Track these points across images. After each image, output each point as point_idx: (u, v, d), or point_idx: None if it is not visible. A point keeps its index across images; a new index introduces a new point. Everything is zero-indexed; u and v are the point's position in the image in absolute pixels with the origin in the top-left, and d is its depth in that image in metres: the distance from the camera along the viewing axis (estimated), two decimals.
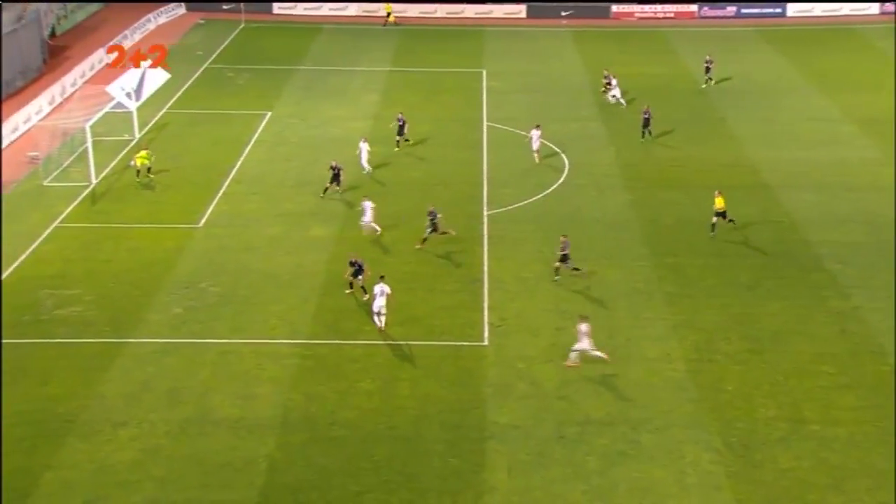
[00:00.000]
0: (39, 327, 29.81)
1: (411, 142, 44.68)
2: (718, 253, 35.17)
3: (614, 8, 72.90)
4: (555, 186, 41.18)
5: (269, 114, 49.89)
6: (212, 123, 48.69)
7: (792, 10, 72.26)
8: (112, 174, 41.87)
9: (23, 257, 34.23)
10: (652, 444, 25.02)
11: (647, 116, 45.83)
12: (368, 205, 35.33)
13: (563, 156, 44.45)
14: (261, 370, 27.84)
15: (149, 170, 41.02)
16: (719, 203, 35.84)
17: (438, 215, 34.50)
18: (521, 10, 72.64)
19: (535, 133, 42.92)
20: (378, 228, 35.17)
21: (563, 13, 71.85)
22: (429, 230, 34.50)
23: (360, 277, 31.22)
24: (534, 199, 39.85)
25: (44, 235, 35.98)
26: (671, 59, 60.17)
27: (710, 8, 72.62)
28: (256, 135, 46.97)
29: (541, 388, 27.22)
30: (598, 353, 27.82)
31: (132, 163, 41.28)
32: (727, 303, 31.80)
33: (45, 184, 40.55)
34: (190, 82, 55.07)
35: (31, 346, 28.83)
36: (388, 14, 70.02)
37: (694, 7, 72.88)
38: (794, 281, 33.10)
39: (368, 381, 27.37)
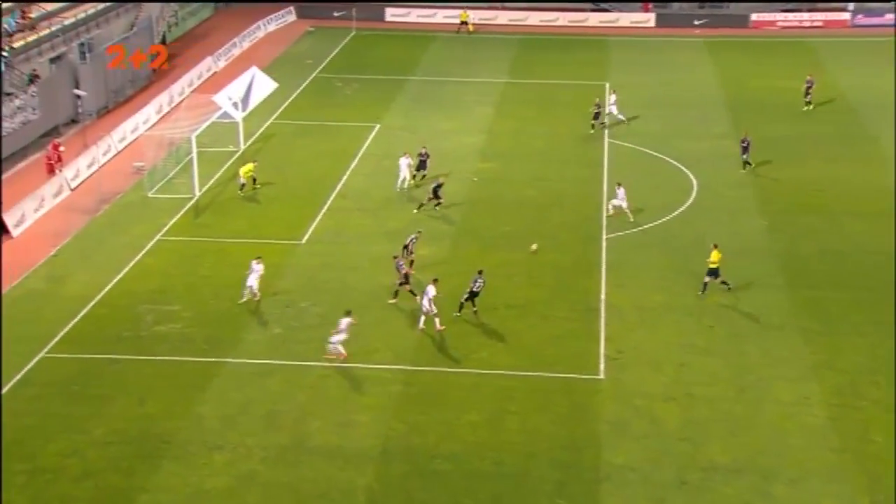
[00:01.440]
0: (139, 343, 30.96)
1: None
2: (865, 287, 33.90)
3: (754, 16, 71.40)
4: (682, 209, 40.49)
5: (378, 126, 50.74)
6: (318, 135, 49.84)
7: None
8: (216, 186, 43.28)
9: (125, 270, 35.66)
10: (786, 497, 24.18)
11: (745, 145, 44.06)
12: (258, 267, 32.74)
13: (692, 176, 43.71)
14: (361, 396, 28.20)
15: (254, 180, 42.29)
16: (715, 258, 32.86)
17: (415, 238, 34.71)
18: (649, 19, 71.97)
19: (620, 192, 39.04)
20: (257, 294, 32.55)
21: (697, 22, 70.83)
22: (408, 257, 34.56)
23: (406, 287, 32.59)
24: (658, 222, 39.25)
25: (146, 248, 37.43)
26: (817, 73, 58.36)
27: (866, 15, 70.23)
28: (364, 148, 47.82)
29: (661, 428, 26.71)
30: (342, 350, 29.18)
31: (240, 179, 42.56)
32: (875, 342, 30.58)
33: (149, 195, 42.23)
34: (298, 92, 56.54)
35: (131, 362, 29.95)
36: (464, 21, 70.12)
37: (846, 15, 70.62)
38: None
39: (474, 413, 27.37)
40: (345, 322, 29.66)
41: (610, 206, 39.65)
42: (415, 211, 39.69)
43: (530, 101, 54.34)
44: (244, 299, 32.84)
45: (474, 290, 31.83)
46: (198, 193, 42.21)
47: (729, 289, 33.18)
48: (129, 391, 28.46)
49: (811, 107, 52.16)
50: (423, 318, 31.16)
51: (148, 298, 33.58)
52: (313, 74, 60.25)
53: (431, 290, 30.89)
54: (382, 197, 41.94)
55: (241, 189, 42.26)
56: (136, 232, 38.84)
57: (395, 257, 33.61)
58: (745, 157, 44.06)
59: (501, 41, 68.21)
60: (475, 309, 32.11)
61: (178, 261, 36.44)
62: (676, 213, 40.15)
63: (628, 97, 54.92)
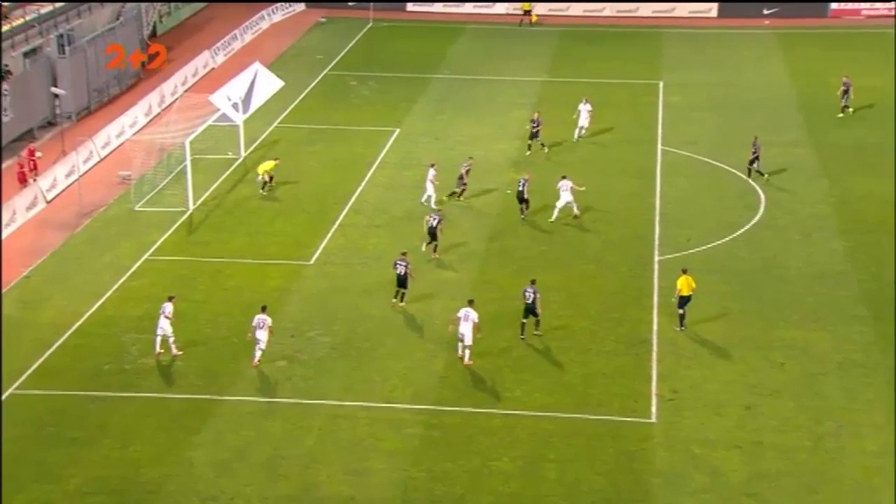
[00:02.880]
0: (122, 378, 31.15)
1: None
2: None
3: (834, 4, 71.31)
4: (747, 227, 40.41)
5: (398, 130, 51.03)
6: (330, 141, 50.18)
7: None
8: (212, 198, 43.63)
9: (108, 294, 35.92)
10: None
11: (755, 150, 44.12)
12: (166, 318, 31.70)
13: (759, 189, 43.60)
14: (376, 440, 28.23)
15: (270, 179, 43.30)
16: (682, 285, 32.52)
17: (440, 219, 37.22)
18: (711, 9, 72.06)
19: (565, 185, 40.15)
20: (174, 351, 31.79)
21: (766, 11, 70.85)
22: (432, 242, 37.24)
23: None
24: (719, 242, 39.19)
25: (132, 269, 37.72)
26: None
27: None
28: (381, 155, 48.09)
29: (724, 481, 26.56)
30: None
31: (259, 178, 43.43)
32: None
33: (136, 208, 42.61)
34: (306, 92, 57.00)
35: (113, 399, 30.12)
36: (527, 11, 70.42)
37: None
38: None
39: (507, 461, 27.36)
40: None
41: (556, 213, 40.29)
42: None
43: (572, 103, 54.33)
44: (165, 349, 31.82)
45: (528, 303, 32.00)
46: (192, 207, 42.55)
47: (683, 330, 32.93)
48: (111, 433, 28.60)
49: (851, 111, 51.79)
50: (461, 345, 31.31)
51: (133, 327, 33.80)
52: (324, 72, 60.72)
53: (473, 314, 30.96)
54: (402, 212, 42.11)
55: (262, 188, 43.17)
56: (121, 251, 39.16)
57: (404, 254, 34.48)
58: (754, 165, 44.17)
59: (539, 34, 68.48)
60: (537, 332, 32.40)
61: (168, 283, 36.63)
62: (741, 231, 40.05)
63: (685, 98, 54.96)
